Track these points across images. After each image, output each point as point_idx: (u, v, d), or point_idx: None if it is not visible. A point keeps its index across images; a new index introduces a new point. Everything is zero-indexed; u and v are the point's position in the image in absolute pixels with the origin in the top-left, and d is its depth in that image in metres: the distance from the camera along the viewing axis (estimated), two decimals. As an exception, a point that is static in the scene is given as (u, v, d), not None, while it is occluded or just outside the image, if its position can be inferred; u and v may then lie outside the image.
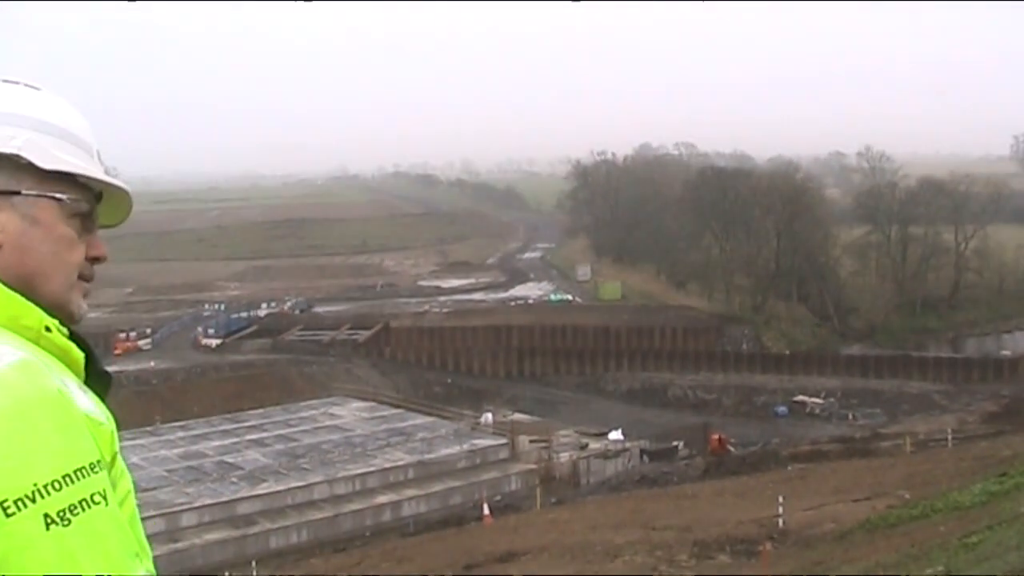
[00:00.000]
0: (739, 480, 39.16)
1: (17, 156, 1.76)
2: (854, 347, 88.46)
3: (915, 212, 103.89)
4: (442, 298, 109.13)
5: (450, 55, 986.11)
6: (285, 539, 42.34)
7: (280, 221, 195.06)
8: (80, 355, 1.77)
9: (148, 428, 57.95)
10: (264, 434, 55.74)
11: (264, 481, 46.56)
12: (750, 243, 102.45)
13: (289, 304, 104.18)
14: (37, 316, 1.70)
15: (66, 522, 1.47)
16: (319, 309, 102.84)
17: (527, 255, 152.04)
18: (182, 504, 42.97)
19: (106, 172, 1.93)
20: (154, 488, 44.79)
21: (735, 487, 35.84)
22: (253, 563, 36.85)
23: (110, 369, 1.89)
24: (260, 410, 62.72)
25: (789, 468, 41.35)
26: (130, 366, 75.51)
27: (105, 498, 1.54)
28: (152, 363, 76.77)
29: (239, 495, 44.66)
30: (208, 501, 43.62)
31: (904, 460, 37.89)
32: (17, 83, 1.87)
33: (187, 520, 42.03)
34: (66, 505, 1.48)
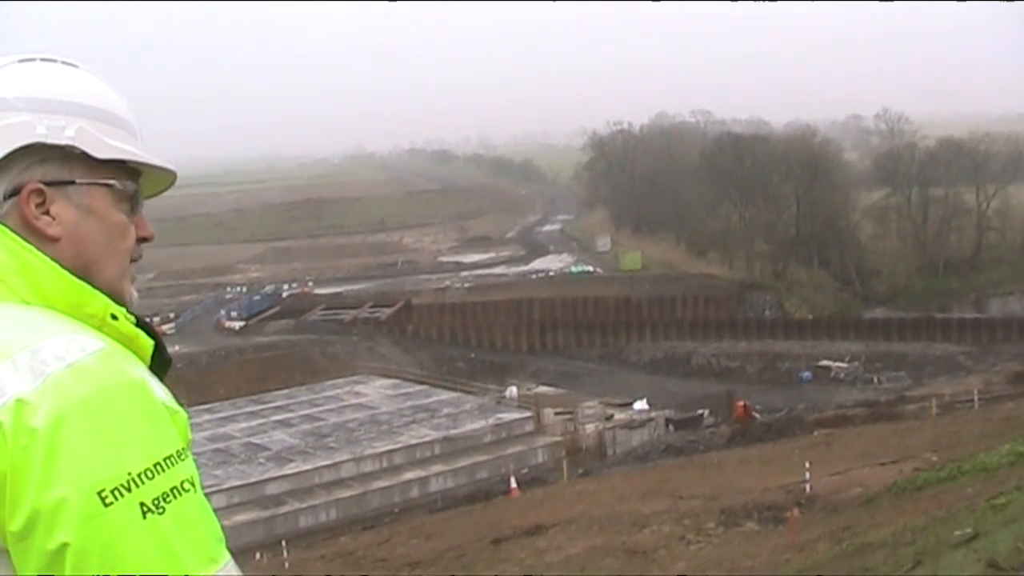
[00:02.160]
0: (765, 447, 39.10)
1: (71, 147, 1.76)
2: (877, 310, 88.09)
3: (935, 173, 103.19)
4: (463, 274, 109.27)
5: (462, 29, 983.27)
6: (314, 518, 42.57)
7: (298, 202, 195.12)
8: (149, 342, 1.77)
9: (174, 412, 58.20)
10: (290, 414, 55.99)
11: (291, 461, 46.81)
12: (769, 209, 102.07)
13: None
14: (103, 303, 1.71)
15: (161, 510, 1.48)
16: (341, 288, 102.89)
17: (546, 228, 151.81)
18: (211, 486, 43.09)
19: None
20: (182, 471, 44.97)
21: (761, 454, 35.79)
22: (283, 543, 37.05)
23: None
24: (285, 391, 62.97)
25: (814, 434, 41.23)
26: (154, 351, 75.84)
27: (194, 485, 1.56)
28: (176, 347, 76.97)
29: (267, 476, 44.93)
30: (236, 483, 43.90)
31: (930, 423, 37.75)
32: (55, 61, 1.86)
33: (216, 502, 42.08)
34: (160, 493, 1.49)
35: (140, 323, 1.79)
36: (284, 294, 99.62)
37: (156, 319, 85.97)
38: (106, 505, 1.44)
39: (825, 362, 69.41)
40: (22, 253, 1.69)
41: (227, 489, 43.07)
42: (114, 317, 1.71)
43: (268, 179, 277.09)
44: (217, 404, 60.06)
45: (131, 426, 1.52)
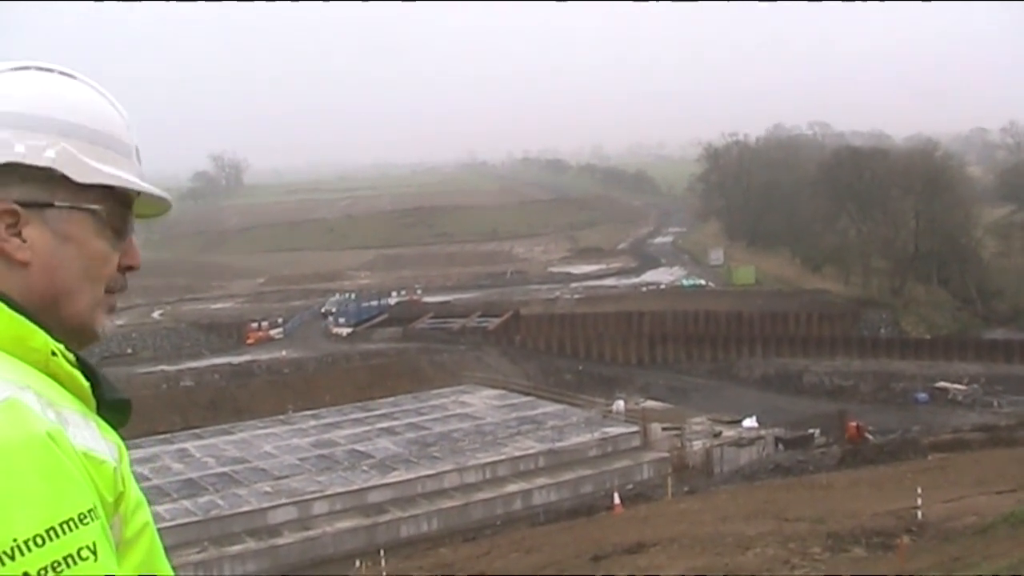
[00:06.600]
0: (876, 470, 38.28)
1: (50, 170, 1.63)
2: (998, 331, 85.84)
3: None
4: (573, 284, 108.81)
5: (576, 39, 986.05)
6: (416, 527, 42.45)
7: (410, 209, 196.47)
8: (85, 384, 1.60)
9: (280, 417, 58.89)
10: (394, 422, 56.05)
11: (395, 469, 46.78)
12: (888, 225, 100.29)
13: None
14: (43, 340, 1.57)
15: None
16: (450, 297, 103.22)
17: (658, 240, 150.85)
18: (314, 492, 43.40)
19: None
20: (287, 476, 45.41)
21: (872, 477, 35.02)
22: (382, 552, 36.97)
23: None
24: (391, 399, 63.12)
25: (929, 458, 40.30)
26: (262, 355, 76.92)
27: (94, 552, 1.40)
28: (284, 352, 77.99)
29: (370, 483, 44.91)
30: (339, 489, 43.97)
31: (1052, 449, 36.60)
32: (51, 70, 1.69)
33: (319, 508, 42.44)
34: (49, 562, 1.34)
35: (80, 362, 1.61)
36: (392, 301, 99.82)
37: (265, 323, 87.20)
38: None
39: (942, 383, 67.67)
40: None
41: (330, 496, 43.21)
42: (54, 354, 1.57)
43: (381, 186, 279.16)
44: (323, 410, 60.50)
45: (24, 487, 1.37)
